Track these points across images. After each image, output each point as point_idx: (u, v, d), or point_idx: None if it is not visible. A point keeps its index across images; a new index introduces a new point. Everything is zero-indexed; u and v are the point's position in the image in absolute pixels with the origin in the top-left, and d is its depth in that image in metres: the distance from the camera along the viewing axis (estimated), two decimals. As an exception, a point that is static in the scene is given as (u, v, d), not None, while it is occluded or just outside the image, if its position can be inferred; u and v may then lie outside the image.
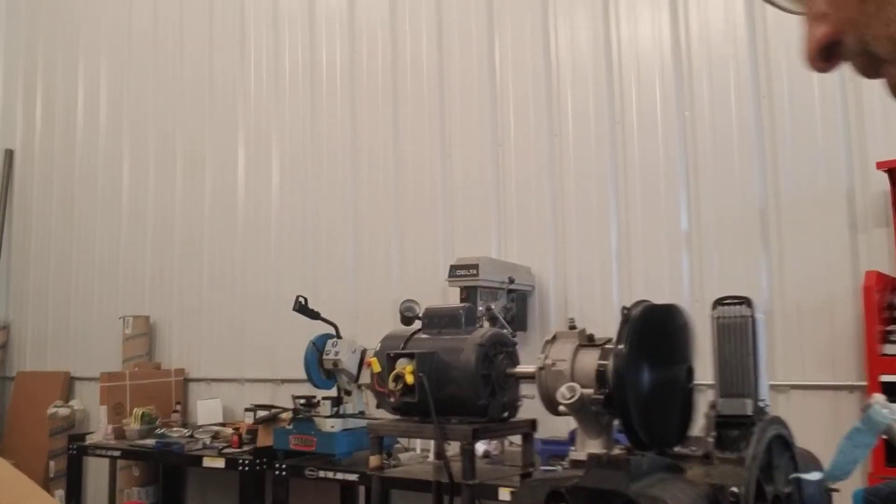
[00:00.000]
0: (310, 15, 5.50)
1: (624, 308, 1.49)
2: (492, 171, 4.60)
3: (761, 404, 1.45)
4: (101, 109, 6.71)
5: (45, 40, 7.30)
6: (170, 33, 6.29)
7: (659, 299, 1.56)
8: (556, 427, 3.19)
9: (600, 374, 1.48)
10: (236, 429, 4.73)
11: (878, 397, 1.39)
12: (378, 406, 2.86)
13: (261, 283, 5.52)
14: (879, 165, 3.37)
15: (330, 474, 3.85)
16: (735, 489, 1.21)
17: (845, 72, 0.61)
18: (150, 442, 4.84)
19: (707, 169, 3.95)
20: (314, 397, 4.10)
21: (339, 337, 4.03)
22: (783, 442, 1.34)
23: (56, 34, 7.20)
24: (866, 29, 0.58)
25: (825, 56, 0.62)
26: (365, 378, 3.87)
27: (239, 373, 5.53)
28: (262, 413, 4.59)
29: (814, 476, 1.35)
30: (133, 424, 5.05)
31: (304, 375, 3.97)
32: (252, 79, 5.77)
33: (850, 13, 0.58)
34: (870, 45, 0.58)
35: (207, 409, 5.25)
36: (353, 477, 3.80)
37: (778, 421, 1.36)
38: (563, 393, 1.48)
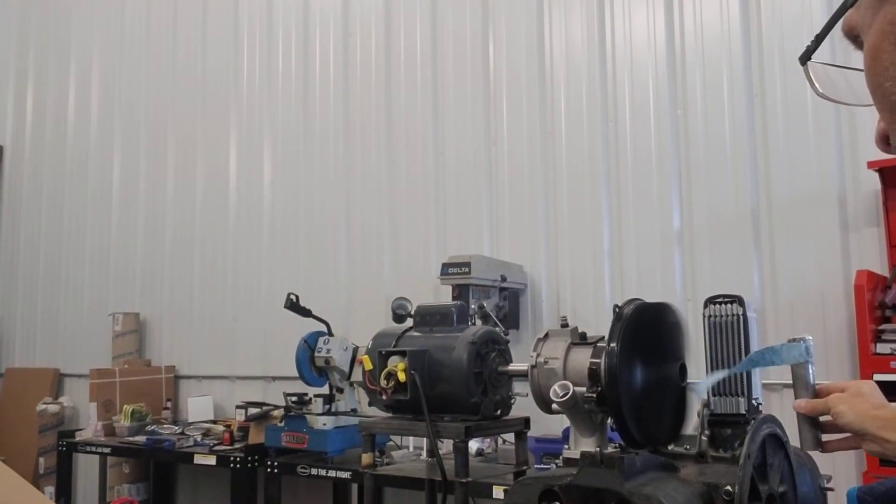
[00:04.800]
0: (304, 9, 5.48)
1: (616, 306, 1.49)
2: (485, 168, 4.60)
3: (755, 403, 1.45)
4: (93, 104, 6.67)
5: (36, 34, 7.24)
6: (163, 27, 6.26)
7: (651, 298, 1.56)
8: (549, 425, 3.20)
9: (593, 372, 1.48)
10: (228, 426, 4.72)
11: (810, 338, 1.44)
12: (370, 404, 2.85)
13: (252, 280, 5.50)
14: (871, 165, 3.38)
15: (322, 472, 3.84)
16: (729, 488, 1.21)
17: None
18: (141, 439, 4.82)
19: (699, 168, 3.95)
20: (306, 395, 4.09)
21: (330, 334, 4.03)
22: (777, 441, 1.34)
23: (48, 28, 7.15)
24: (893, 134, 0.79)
25: (885, 142, 0.81)
26: (357, 375, 3.87)
27: (230, 370, 5.51)
28: (253, 410, 4.58)
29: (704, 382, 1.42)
30: (123, 421, 5.03)
31: (295, 373, 3.96)
32: (245, 76, 5.74)
33: (886, 123, 0.79)
34: None
35: (198, 407, 5.23)
36: (345, 474, 3.79)
37: (771, 419, 1.36)
38: (555, 391, 1.47)
